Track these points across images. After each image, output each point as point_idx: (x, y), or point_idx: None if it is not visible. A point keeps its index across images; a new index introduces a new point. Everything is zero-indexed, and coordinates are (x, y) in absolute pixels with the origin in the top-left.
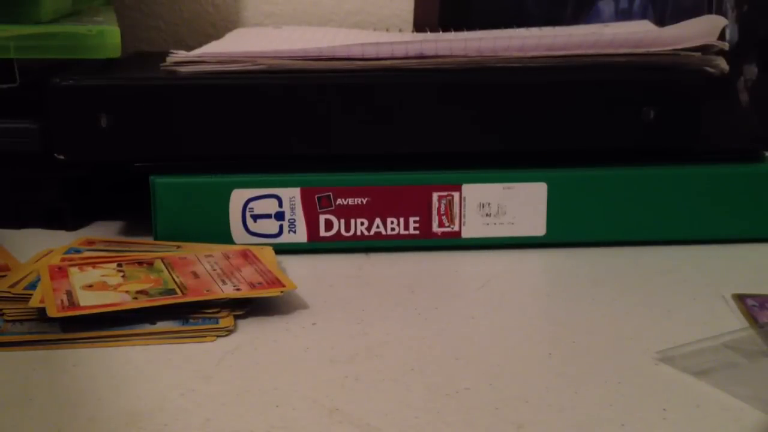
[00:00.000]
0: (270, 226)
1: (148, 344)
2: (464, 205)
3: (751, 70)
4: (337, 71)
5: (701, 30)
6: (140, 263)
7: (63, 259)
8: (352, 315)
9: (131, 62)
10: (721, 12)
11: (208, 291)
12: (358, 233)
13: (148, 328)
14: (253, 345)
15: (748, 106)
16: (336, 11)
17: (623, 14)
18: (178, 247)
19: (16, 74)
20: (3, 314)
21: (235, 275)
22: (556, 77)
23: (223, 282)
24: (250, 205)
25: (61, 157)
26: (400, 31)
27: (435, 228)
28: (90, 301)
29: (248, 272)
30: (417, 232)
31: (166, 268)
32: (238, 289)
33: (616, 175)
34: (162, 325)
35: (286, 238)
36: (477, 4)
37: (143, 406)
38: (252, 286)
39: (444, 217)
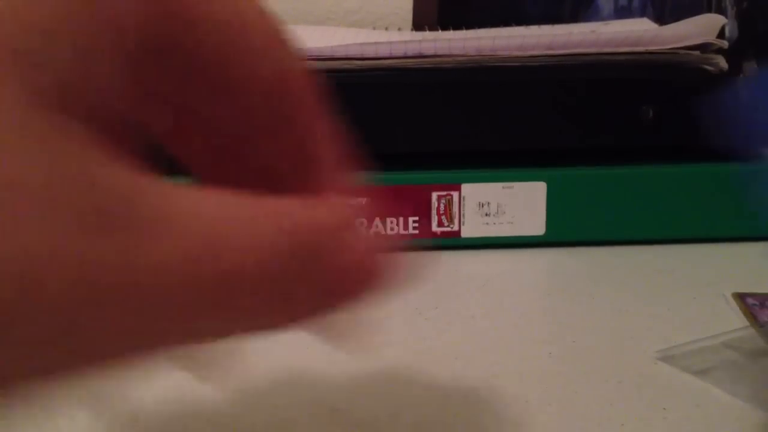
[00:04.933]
0: None
1: None
2: (463, 205)
3: (751, 68)
4: (336, 71)
5: (700, 28)
6: None
7: None
8: (352, 315)
9: None
10: (720, 10)
11: None
12: None
13: None
14: (253, 345)
15: (748, 105)
16: (335, 10)
17: (622, 12)
18: None
19: None
20: None
21: None
22: (556, 76)
23: None
24: None
25: None
26: (399, 30)
27: (434, 227)
28: None
29: None
30: (416, 231)
31: None
32: None
33: (615, 175)
34: None
35: None
36: (476, 3)
37: (143, 406)
38: None
39: (443, 217)
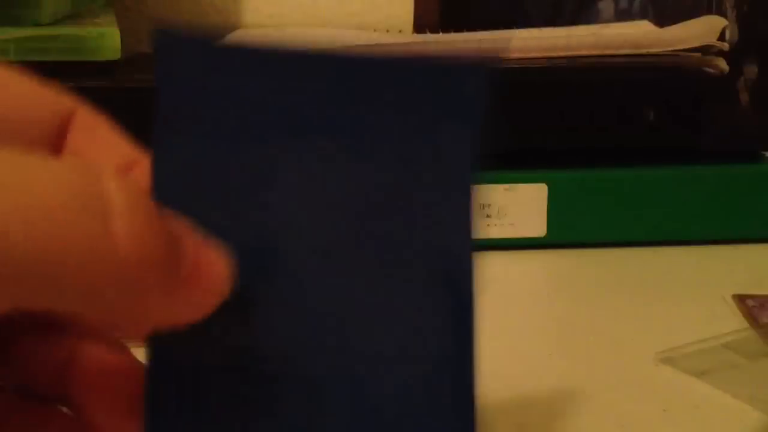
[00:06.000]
0: None
1: None
2: None
3: (752, 70)
4: None
5: (701, 30)
6: None
7: None
8: None
9: (131, 63)
10: (721, 12)
11: None
12: None
13: None
14: None
15: (748, 106)
16: (336, 13)
17: (623, 14)
18: None
19: None
20: None
21: None
22: (556, 78)
23: None
24: None
25: None
26: (400, 32)
27: None
28: None
29: None
30: None
31: None
32: None
33: (616, 176)
34: None
35: None
36: (477, 5)
37: None
38: None
39: None
